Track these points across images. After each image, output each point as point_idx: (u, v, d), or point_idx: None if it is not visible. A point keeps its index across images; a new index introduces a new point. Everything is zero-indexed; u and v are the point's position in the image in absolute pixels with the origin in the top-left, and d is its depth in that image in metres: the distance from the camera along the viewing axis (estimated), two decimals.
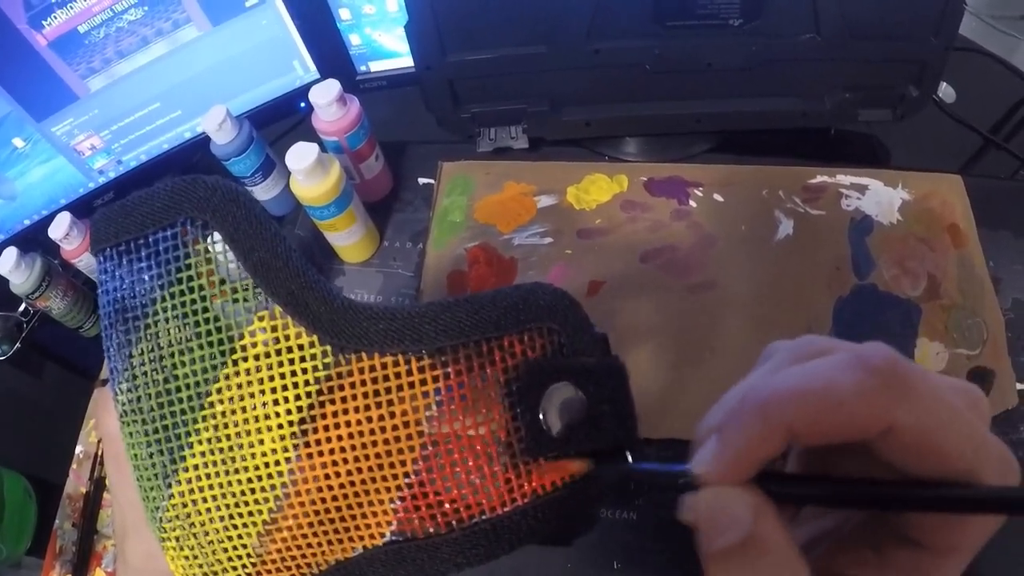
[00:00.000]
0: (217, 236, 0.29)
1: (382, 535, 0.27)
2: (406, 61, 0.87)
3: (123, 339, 0.29)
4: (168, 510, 0.28)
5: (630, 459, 0.26)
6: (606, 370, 0.26)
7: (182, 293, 0.29)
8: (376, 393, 0.27)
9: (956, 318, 0.75)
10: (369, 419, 0.27)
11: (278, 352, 0.27)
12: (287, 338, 0.27)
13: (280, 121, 0.97)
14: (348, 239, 0.83)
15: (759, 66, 0.80)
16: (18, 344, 0.95)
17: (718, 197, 0.85)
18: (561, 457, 0.26)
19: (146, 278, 0.29)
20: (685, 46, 0.79)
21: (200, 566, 0.28)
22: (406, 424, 0.27)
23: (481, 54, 0.80)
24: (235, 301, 0.28)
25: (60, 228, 0.81)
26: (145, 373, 0.28)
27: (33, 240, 0.88)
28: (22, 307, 0.96)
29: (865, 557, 0.25)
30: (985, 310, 0.75)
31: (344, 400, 0.27)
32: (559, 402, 0.26)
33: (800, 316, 0.76)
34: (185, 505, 0.28)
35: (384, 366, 0.27)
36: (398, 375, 0.27)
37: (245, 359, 0.28)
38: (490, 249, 0.84)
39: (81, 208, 0.89)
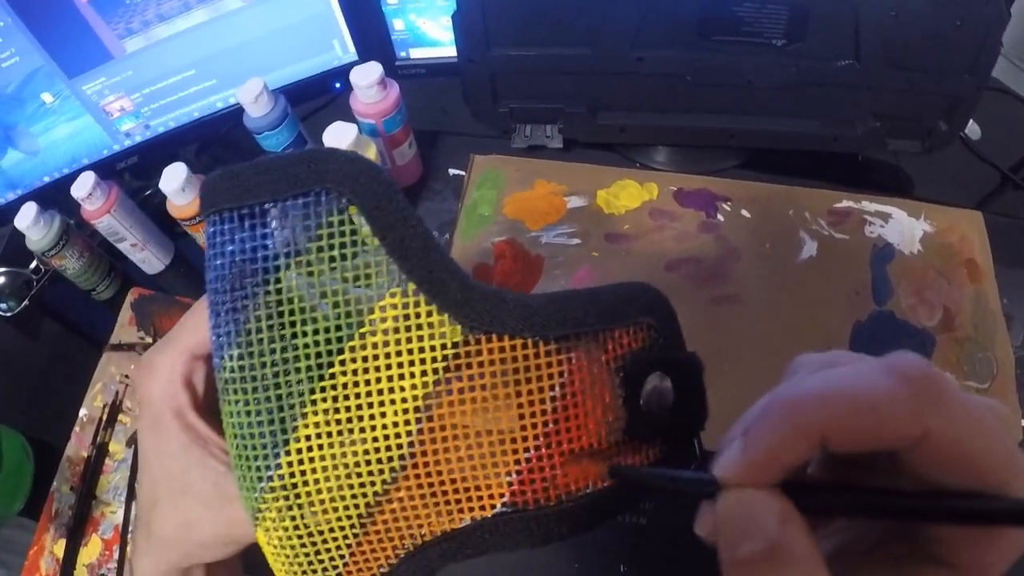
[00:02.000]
0: (355, 210, 0.28)
1: (493, 507, 0.28)
2: (447, 51, 0.87)
3: (238, 304, 0.29)
4: (273, 480, 0.28)
5: (698, 448, 0.29)
6: (690, 363, 0.29)
7: (310, 263, 0.28)
8: (504, 373, 0.27)
9: (968, 351, 0.77)
10: (495, 396, 0.27)
11: (407, 328, 0.27)
12: (418, 315, 0.28)
13: (313, 100, 0.97)
14: None
15: (797, 87, 0.81)
16: (26, 302, 0.93)
17: (745, 213, 0.86)
18: (648, 440, 0.29)
19: (270, 244, 0.29)
20: (727, 61, 0.80)
21: (299, 538, 0.28)
22: (531, 403, 0.27)
23: (525, 51, 0.81)
24: (367, 276, 0.28)
25: (84, 187, 0.80)
26: (261, 340, 0.28)
27: (52, 198, 0.87)
28: (33, 264, 0.94)
29: (888, 574, 0.24)
30: (996, 345, 0.77)
31: (471, 378, 0.27)
32: (654, 390, 0.29)
33: (818, 336, 0.77)
34: (294, 476, 0.28)
35: (513, 348, 0.28)
36: (526, 356, 0.28)
37: (373, 333, 0.28)
38: (517, 245, 0.84)
39: (103, 169, 0.87)
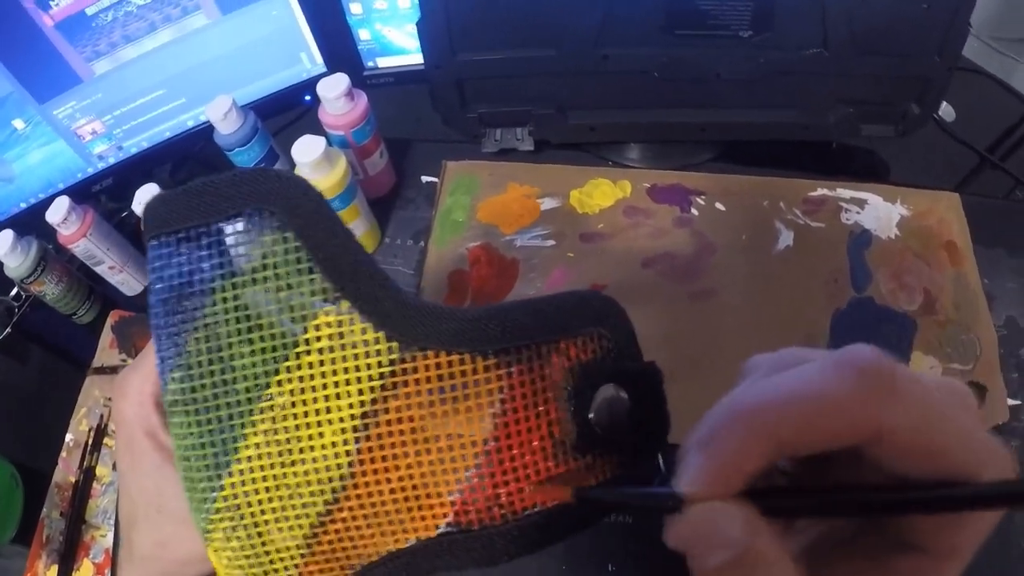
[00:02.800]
0: (286, 228, 0.28)
1: (437, 527, 0.28)
2: (414, 58, 0.87)
3: (177, 328, 0.29)
4: (217, 501, 0.28)
5: (661, 461, 0.28)
6: (647, 374, 0.28)
7: (245, 284, 0.28)
8: (441, 390, 0.27)
9: (950, 333, 0.76)
10: (433, 414, 0.27)
11: (343, 347, 0.27)
12: (352, 333, 0.27)
13: (284, 113, 0.97)
14: None
15: (765, 78, 0.80)
16: (8, 329, 0.93)
17: (720, 206, 0.86)
18: (602, 455, 0.28)
19: (205, 267, 0.29)
20: (694, 55, 0.79)
21: (247, 557, 0.28)
22: (469, 420, 0.27)
23: (491, 55, 0.80)
24: (301, 295, 0.28)
25: (58, 212, 0.80)
26: (200, 363, 0.28)
27: (29, 224, 0.87)
28: (13, 291, 0.95)
29: (863, 565, 0.24)
30: (979, 326, 0.77)
31: (408, 396, 0.27)
32: (606, 403, 0.28)
33: (798, 326, 0.77)
34: (236, 496, 0.28)
35: (451, 364, 0.27)
36: (464, 373, 0.27)
37: (308, 352, 0.27)
38: (492, 249, 0.84)
39: (79, 193, 0.88)
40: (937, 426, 0.21)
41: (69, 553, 0.75)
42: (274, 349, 0.28)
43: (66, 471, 0.81)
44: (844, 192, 0.86)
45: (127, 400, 0.33)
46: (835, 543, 0.26)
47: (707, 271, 0.81)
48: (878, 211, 0.84)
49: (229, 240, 0.29)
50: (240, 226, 0.29)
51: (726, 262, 0.82)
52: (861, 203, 0.85)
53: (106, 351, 0.87)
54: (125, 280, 0.90)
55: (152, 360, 0.33)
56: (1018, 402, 0.73)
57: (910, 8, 0.74)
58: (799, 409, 0.21)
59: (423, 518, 0.28)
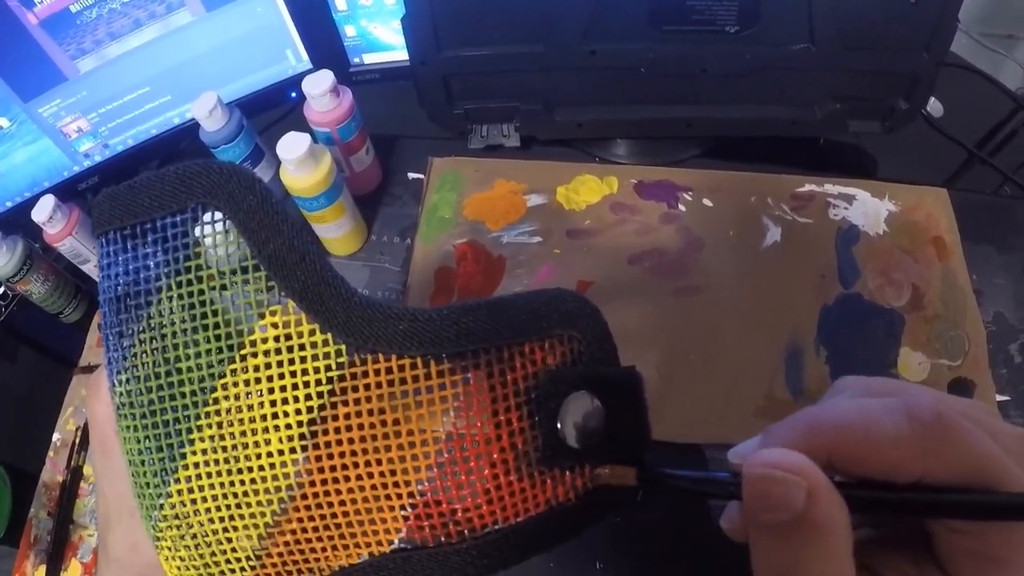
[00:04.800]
0: (229, 224, 0.27)
1: (390, 542, 0.26)
2: (400, 55, 0.87)
3: (124, 328, 0.28)
4: (165, 508, 0.27)
5: (641, 473, 0.26)
6: (624, 380, 0.26)
7: (189, 283, 0.27)
8: (392, 396, 0.26)
9: (939, 329, 0.76)
10: (383, 422, 0.26)
11: (289, 349, 0.26)
12: (300, 335, 0.26)
13: (270, 110, 0.96)
14: (336, 231, 0.82)
15: (752, 73, 0.80)
16: None
17: (707, 202, 0.85)
18: (577, 467, 0.26)
19: (151, 264, 0.28)
20: (680, 51, 0.79)
21: (196, 568, 0.27)
22: (422, 429, 0.26)
23: (477, 51, 0.80)
24: (246, 294, 0.27)
25: (44, 211, 0.80)
26: (146, 364, 0.27)
27: (14, 223, 0.87)
28: (0, 291, 0.94)
29: (906, 568, 0.24)
30: (967, 322, 0.77)
31: (357, 402, 0.26)
32: (577, 411, 0.25)
33: (785, 322, 0.77)
34: (184, 504, 0.27)
35: (401, 368, 0.26)
36: (416, 378, 0.26)
37: (255, 355, 0.26)
38: (478, 246, 0.84)
39: (65, 191, 0.87)
40: (981, 482, 0.21)
41: (57, 553, 0.75)
42: (219, 351, 0.26)
43: (53, 471, 0.80)
44: (832, 188, 0.86)
45: (99, 400, 0.32)
46: (879, 542, 0.26)
47: (694, 267, 0.81)
48: (866, 207, 0.84)
49: (171, 236, 0.28)
50: (184, 222, 0.27)
51: (714, 258, 0.81)
52: (849, 199, 0.85)
53: (93, 350, 0.87)
54: None
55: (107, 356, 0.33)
56: (1006, 398, 0.73)
57: (897, 3, 0.74)
58: (852, 438, 0.22)
59: (375, 533, 0.26)
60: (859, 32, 0.76)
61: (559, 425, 0.25)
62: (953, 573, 0.23)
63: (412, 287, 0.82)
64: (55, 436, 0.82)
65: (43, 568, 0.75)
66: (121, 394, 0.28)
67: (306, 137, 0.73)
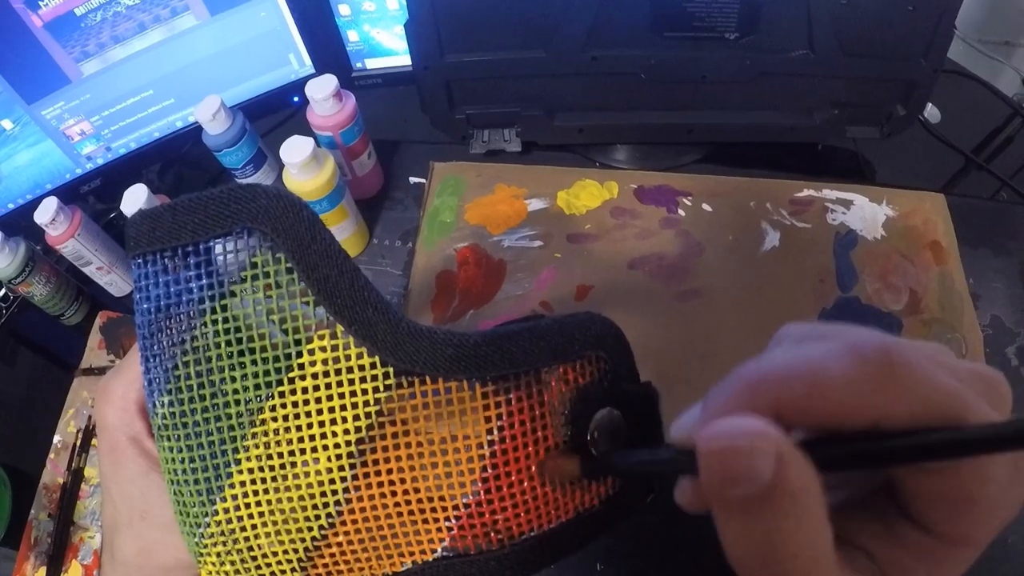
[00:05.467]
0: (277, 249, 0.27)
1: (433, 551, 0.28)
2: (402, 60, 0.87)
3: (166, 351, 0.28)
4: (211, 526, 0.27)
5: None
6: (644, 396, 0.28)
7: (235, 307, 0.28)
8: (439, 417, 0.27)
9: (936, 333, 0.77)
10: (431, 442, 0.27)
11: (338, 372, 0.27)
12: (348, 358, 0.27)
13: (272, 115, 0.97)
14: (339, 235, 0.82)
15: (752, 80, 0.81)
16: None
17: (706, 207, 0.86)
18: (600, 478, 0.28)
19: (194, 288, 0.28)
20: (681, 57, 0.80)
21: None
22: (467, 448, 0.27)
23: (479, 56, 0.81)
24: (295, 317, 0.27)
25: (46, 213, 0.80)
26: (191, 387, 0.27)
27: (16, 225, 0.87)
28: (1, 293, 0.94)
29: (877, 529, 0.23)
30: (964, 326, 0.77)
31: (405, 422, 0.27)
32: (604, 426, 0.27)
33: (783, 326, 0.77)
34: (230, 521, 0.27)
35: (448, 391, 0.27)
36: (462, 400, 0.27)
37: (303, 377, 0.27)
38: (480, 250, 0.84)
39: (67, 194, 0.88)
40: (944, 418, 0.20)
41: (57, 555, 0.75)
42: (267, 373, 0.27)
43: (54, 472, 0.80)
44: (830, 193, 0.86)
45: (111, 406, 0.32)
46: (850, 504, 0.25)
47: (694, 272, 0.81)
48: (864, 212, 0.85)
49: (218, 260, 0.28)
50: (230, 246, 0.28)
51: (713, 263, 0.82)
52: (847, 204, 0.85)
53: (94, 352, 0.87)
54: (113, 281, 0.90)
55: (136, 365, 0.32)
56: None
57: (895, 10, 0.75)
58: (800, 386, 0.20)
59: (420, 543, 0.27)
60: (857, 38, 0.77)
61: (589, 439, 0.27)
62: (925, 521, 0.22)
63: (413, 291, 0.83)
64: (56, 438, 0.82)
65: (43, 570, 0.75)
66: (163, 415, 0.28)
67: (310, 141, 0.74)
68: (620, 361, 0.28)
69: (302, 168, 0.73)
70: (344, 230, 0.82)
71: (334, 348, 0.27)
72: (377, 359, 0.27)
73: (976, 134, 0.95)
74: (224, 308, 0.28)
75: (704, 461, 0.20)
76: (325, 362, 0.27)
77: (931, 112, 0.95)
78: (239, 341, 0.27)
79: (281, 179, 0.76)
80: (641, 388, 0.28)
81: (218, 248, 0.28)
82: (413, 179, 0.92)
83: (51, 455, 0.81)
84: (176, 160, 1.00)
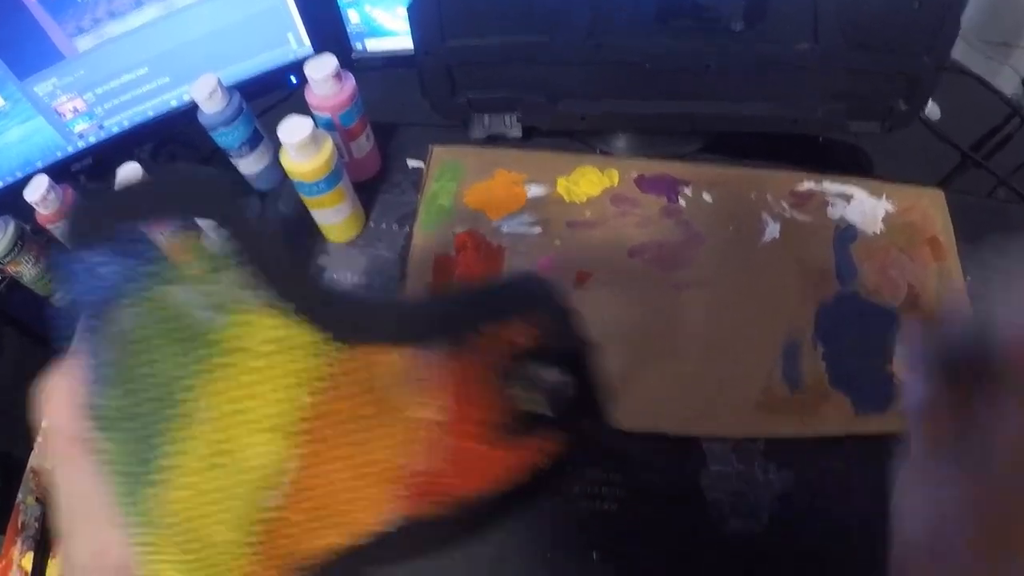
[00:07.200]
0: (210, 229, 0.27)
1: (385, 520, 0.27)
2: (403, 41, 0.86)
3: (99, 337, 0.28)
4: (151, 512, 0.27)
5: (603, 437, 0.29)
6: (582, 353, 0.29)
7: (165, 292, 0.27)
8: (383, 386, 0.27)
9: None
10: (368, 406, 0.27)
11: (278, 348, 0.27)
12: (280, 328, 0.27)
13: (268, 94, 0.95)
14: (335, 217, 0.81)
15: (756, 71, 0.81)
16: None
17: (707, 197, 0.86)
18: (544, 437, 0.28)
19: (123, 272, 0.28)
20: (685, 46, 0.79)
21: (188, 561, 0.27)
22: (405, 411, 0.27)
23: (482, 41, 0.80)
24: (223, 293, 0.27)
25: (37, 191, 0.79)
26: (129, 378, 0.27)
27: (5, 203, 0.85)
28: None
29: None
30: None
31: (339, 390, 0.27)
32: (543, 384, 0.28)
33: (783, 317, 0.77)
34: (172, 503, 0.27)
35: (382, 357, 0.27)
36: (400, 366, 0.27)
37: (234, 351, 0.27)
38: (478, 235, 0.83)
39: (57, 172, 0.86)
40: None
41: (45, 539, 0.74)
42: (200, 356, 0.27)
43: (42, 456, 0.79)
44: (830, 186, 0.86)
45: (57, 408, 0.31)
46: None
47: (693, 261, 0.81)
48: (863, 206, 0.85)
49: (149, 243, 0.28)
50: (162, 228, 0.28)
51: (712, 253, 0.82)
52: (847, 197, 0.85)
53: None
54: None
55: (78, 363, 0.32)
56: None
57: (901, 6, 0.75)
58: None
59: (369, 513, 0.27)
60: (862, 33, 0.77)
61: (528, 397, 0.28)
62: None
63: (411, 275, 0.82)
64: (44, 421, 0.81)
65: (31, 555, 0.73)
66: (98, 404, 0.27)
67: (309, 121, 0.73)
68: (560, 320, 0.28)
69: (300, 149, 0.72)
70: (340, 212, 0.81)
71: (273, 326, 0.27)
72: (311, 329, 0.27)
73: (975, 132, 0.96)
74: (153, 288, 0.27)
75: None
76: (257, 335, 0.27)
77: (931, 109, 0.95)
78: (167, 320, 0.27)
79: (278, 159, 0.75)
80: (578, 345, 0.29)
81: (147, 231, 0.28)
82: (411, 162, 0.91)
83: (39, 438, 0.80)
84: (169, 140, 0.99)
